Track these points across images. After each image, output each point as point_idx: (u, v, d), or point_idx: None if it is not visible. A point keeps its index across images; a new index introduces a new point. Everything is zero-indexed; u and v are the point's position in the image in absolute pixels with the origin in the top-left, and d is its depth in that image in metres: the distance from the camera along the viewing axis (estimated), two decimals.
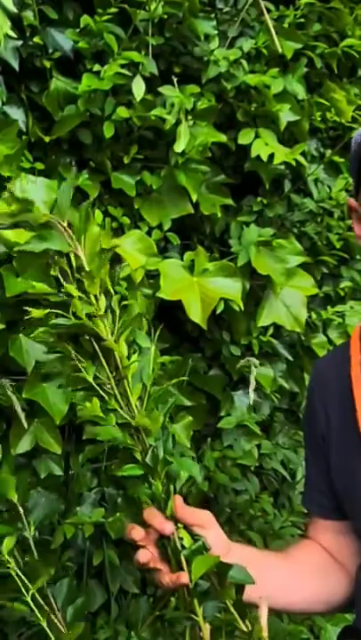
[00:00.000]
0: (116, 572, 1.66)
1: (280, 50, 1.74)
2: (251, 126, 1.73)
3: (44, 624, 1.02)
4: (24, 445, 1.49)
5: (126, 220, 1.62)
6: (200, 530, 0.91)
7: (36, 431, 1.50)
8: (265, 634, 0.84)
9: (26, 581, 1.02)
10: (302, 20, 1.85)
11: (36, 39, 1.50)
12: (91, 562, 1.61)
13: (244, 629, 0.86)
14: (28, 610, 1.02)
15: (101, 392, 0.89)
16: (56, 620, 1.04)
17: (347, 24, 1.98)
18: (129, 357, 0.89)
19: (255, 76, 1.69)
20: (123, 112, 1.53)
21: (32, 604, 1.01)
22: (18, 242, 0.89)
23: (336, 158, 2.06)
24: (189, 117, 1.59)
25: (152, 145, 1.66)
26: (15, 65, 1.47)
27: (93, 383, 0.89)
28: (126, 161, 1.61)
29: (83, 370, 0.89)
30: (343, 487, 1.08)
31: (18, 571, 1.01)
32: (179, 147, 1.55)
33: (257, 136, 1.70)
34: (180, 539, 0.88)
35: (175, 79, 1.60)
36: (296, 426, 2.13)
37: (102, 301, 0.90)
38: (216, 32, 1.69)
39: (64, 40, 1.54)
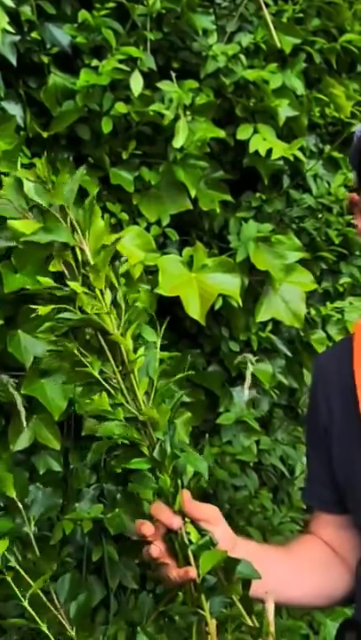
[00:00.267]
0: (115, 568, 1.66)
1: (279, 45, 1.74)
2: (249, 122, 1.73)
3: (44, 627, 1.01)
4: (23, 442, 1.49)
5: (125, 216, 1.61)
6: (207, 525, 0.91)
7: (35, 427, 1.50)
8: (272, 629, 0.84)
9: (28, 579, 1.01)
10: (301, 14, 1.85)
11: (33, 34, 1.49)
12: (90, 558, 1.61)
13: (251, 625, 0.86)
14: (23, 620, 1.01)
15: (108, 387, 0.88)
16: (60, 617, 1.04)
17: (346, 19, 1.97)
18: (135, 351, 0.89)
19: (254, 72, 1.69)
20: (121, 107, 1.53)
21: (30, 610, 1.00)
22: (24, 233, 0.89)
23: (335, 154, 2.06)
24: (188, 113, 1.59)
25: (150, 140, 1.66)
26: (13, 60, 1.47)
27: (100, 378, 0.88)
28: (125, 157, 1.61)
29: (88, 365, 0.87)
30: (345, 479, 1.08)
31: (19, 568, 1.01)
32: (177, 142, 1.55)
33: (255, 131, 1.70)
34: (188, 533, 0.88)
35: (174, 74, 1.60)
36: (295, 422, 2.13)
37: (108, 296, 0.89)
38: (214, 27, 1.69)
39: (62, 35, 1.54)
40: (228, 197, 1.74)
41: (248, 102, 1.73)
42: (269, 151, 1.68)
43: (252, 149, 1.68)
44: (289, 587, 1.08)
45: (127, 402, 0.88)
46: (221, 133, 1.64)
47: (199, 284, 1.58)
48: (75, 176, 0.91)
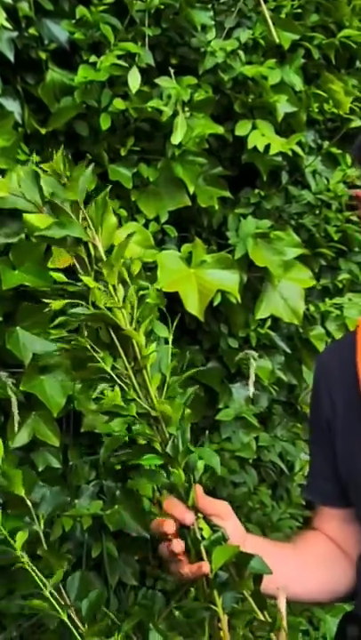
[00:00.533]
0: (114, 565, 1.66)
1: (277, 40, 1.73)
2: (248, 118, 1.73)
3: (65, 617, 1.01)
4: (22, 438, 1.49)
5: (123, 213, 1.61)
6: (218, 520, 0.91)
7: (34, 424, 1.50)
8: (284, 623, 0.85)
9: (41, 577, 1.01)
10: (300, 10, 1.84)
11: (31, 30, 1.49)
12: (89, 554, 1.61)
13: (263, 620, 0.86)
14: (47, 606, 1.01)
15: (120, 382, 0.88)
16: (73, 615, 1.03)
17: (344, 14, 1.97)
18: (147, 347, 0.89)
19: (252, 67, 1.69)
20: (119, 104, 1.53)
21: (52, 600, 1.00)
22: (39, 227, 0.90)
23: (334, 150, 2.05)
24: (186, 109, 1.58)
25: (149, 137, 1.65)
26: (10, 56, 1.46)
27: (112, 373, 0.88)
28: (123, 153, 1.61)
29: (100, 360, 0.88)
30: (347, 472, 1.09)
31: (33, 567, 1.01)
32: (176, 138, 1.55)
33: (254, 127, 1.70)
34: (200, 529, 0.88)
35: (172, 70, 1.59)
36: (294, 418, 2.13)
37: (120, 291, 0.90)
38: (213, 23, 1.68)
39: (60, 31, 1.53)
40: (227, 194, 1.73)
41: (247, 98, 1.72)
42: (268, 147, 1.67)
43: (250, 145, 1.68)
44: (295, 583, 1.09)
45: (139, 397, 0.88)
46: (220, 129, 1.64)
47: (198, 280, 1.58)
48: (87, 172, 0.91)
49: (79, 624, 1.07)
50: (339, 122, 2.06)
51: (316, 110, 1.95)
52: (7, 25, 1.42)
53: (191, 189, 1.61)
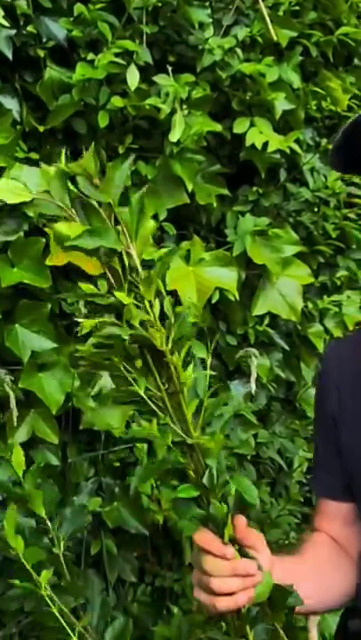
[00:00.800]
0: (113, 561, 1.66)
1: (275, 38, 1.74)
2: (246, 115, 1.73)
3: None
4: (21, 436, 1.50)
5: None
6: (254, 552, 0.86)
7: (33, 421, 1.51)
8: None
9: (59, 603, 0.97)
10: (297, 7, 1.85)
11: (29, 28, 1.49)
12: (88, 551, 1.62)
13: None
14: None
15: (154, 407, 0.81)
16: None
17: (342, 12, 1.97)
18: (183, 368, 0.81)
19: (250, 65, 1.69)
20: (117, 101, 1.53)
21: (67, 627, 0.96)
22: (69, 236, 0.81)
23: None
24: (184, 106, 1.59)
25: (147, 134, 1.66)
26: (9, 54, 1.46)
27: (145, 397, 0.80)
28: (121, 150, 1.61)
29: (133, 382, 0.80)
30: (353, 466, 1.09)
31: (58, 609, 0.97)
32: (174, 136, 1.55)
33: (252, 125, 1.70)
34: None
35: (170, 68, 1.59)
36: (293, 415, 2.13)
37: (156, 307, 0.81)
38: (211, 20, 1.68)
39: (58, 29, 1.53)
40: (225, 191, 1.74)
41: (244, 96, 1.73)
42: (266, 144, 1.68)
43: (248, 143, 1.68)
44: (314, 599, 1.08)
45: (173, 423, 0.81)
46: (218, 127, 1.64)
47: (196, 278, 1.58)
48: (124, 167, 0.81)
49: None
50: (337, 119, 2.06)
51: (314, 108, 1.95)
52: (5, 23, 1.42)
53: (189, 187, 1.61)
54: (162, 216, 1.65)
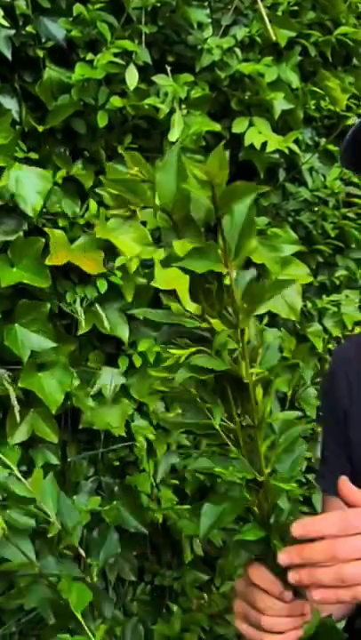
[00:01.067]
0: (113, 560, 1.67)
1: (274, 38, 1.74)
2: (245, 115, 1.73)
3: None
4: (21, 435, 1.50)
5: None
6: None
7: (33, 421, 1.51)
8: None
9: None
10: (296, 7, 1.85)
11: (28, 28, 1.49)
12: (88, 550, 1.62)
13: None
14: None
15: (227, 440, 0.75)
16: None
17: (341, 12, 1.97)
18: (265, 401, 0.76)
19: (249, 65, 1.69)
20: (116, 101, 1.53)
21: None
22: (178, 256, 0.71)
23: (331, 147, 2.06)
24: (183, 106, 1.59)
25: (146, 134, 1.66)
26: (8, 54, 1.47)
27: (220, 430, 0.74)
28: (120, 150, 1.61)
29: (208, 413, 0.73)
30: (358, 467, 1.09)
31: None
32: (173, 136, 1.55)
33: (251, 125, 1.71)
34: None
35: (169, 68, 1.60)
36: None
37: (247, 336, 0.74)
38: (209, 20, 1.69)
39: (57, 29, 1.54)
40: None
41: (243, 95, 1.73)
42: (265, 144, 1.68)
43: (247, 143, 1.68)
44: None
45: (243, 457, 0.75)
46: (217, 127, 1.64)
47: None
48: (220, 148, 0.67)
49: None
50: (335, 119, 2.07)
51: (313, 107, 1.95)
52: (4, 23, 1.42)
53: None
54: None
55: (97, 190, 1.59)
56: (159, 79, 1.58)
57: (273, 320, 1.87)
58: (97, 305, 1.54)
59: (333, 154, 2.07)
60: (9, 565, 0.80)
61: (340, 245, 2.08)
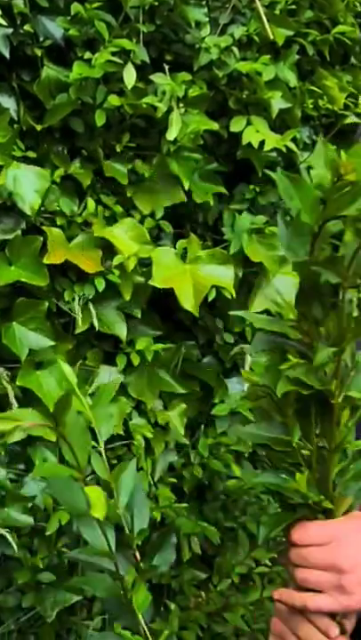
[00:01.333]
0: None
1: (271, 37, 1.74)
2: (243, 114, 1.73)
3: None
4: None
5: (119, 209, 1.62)
6: None
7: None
8: None
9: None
10: (294, 6, 1.85)
11: (26, 27, 1.50)
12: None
13: None
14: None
15: (302, 460, 0.73)
16: None
17: (339, 11, 1.97)
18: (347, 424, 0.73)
19: (247, 64, 1.69)
20: (114, 100, 1.53)
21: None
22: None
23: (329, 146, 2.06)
24: (181, 105, 1.59)
25: (144, 133, 1.66)
26: (6, 53, 1.47)
27: (297, 449, 0.72)
28: (118, 149, 1.61)
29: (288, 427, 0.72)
30: None
31: None
32: (171, 134, 1.56)
33: (249, 123, 1.71)
34: None
35: (166, 67, 1.60)
36: None
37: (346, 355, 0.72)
38: (207, 19, 1.69)
39: (55, 28, 1.54)
40: (222, 189, 1.74)
41: (241, 94, 1.73)
42: (263, 143, 1.68)
43: (245, 141, 1.68)
44: None
45: (312, 480, 0.73)
46: (215, 125, 1.64)
47: (193, 276, 1.58)
48: None
49: None
50: (333, 118, 2.06)
51: (311, 106, 1.95)
52: (2, 22, 1.42)
53: (186, 185, 1.61)
54: (159, 214, 1.65)
55: None
56: (157, 78, 1.58)
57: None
58: (90, 304, 1.54)
59: None
60: (88, 550, 0.80)
61: (337, 244, 2.08)
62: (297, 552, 0.74)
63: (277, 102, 1.75)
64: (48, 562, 1.55)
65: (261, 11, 1.72)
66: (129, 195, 1.64)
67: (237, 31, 1.74)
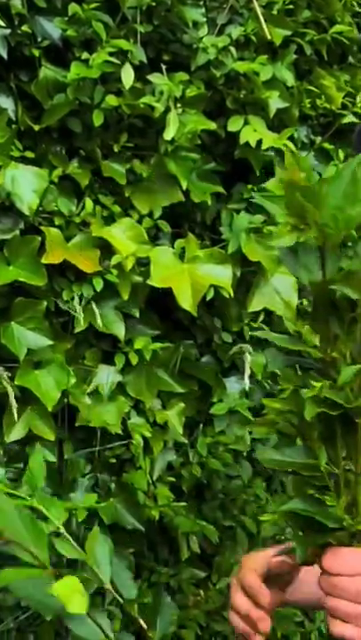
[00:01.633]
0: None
1: (269, 37, 1.74)
2: (240, 113, 1.74)
3: None
4: (18, 432, 1.51)
5: (117, 209, 1.62)
6: None
7: (30, 418, 1.52)
8: None
9: None
10: (291, 6, 1.85)
11: (24, 27, 1.50)
12: (84, 547, 1.62)
13: None
14: None
15: (331, 484, 0.72)
16: None
17: (336, 10, 1.98)
18: None
19: (244, 64, 1.70)
20: (112, 100, 1.54)
21: None
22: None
23: (327, 145, 2.06)
24: (179, 105, 1.59)
25: (142, 133, 1.66)
26: (4, 54, 1.47)
27: (325, 473, 0.71)
28: (116, 149, 1.62)
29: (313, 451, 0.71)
30: None
31: None
32: (168, 134, 1.56)
33: (246, 123, 1.71)
34: None
35: (164, 67, 1.60)
36: None
37: None
38: (205, 19, 1.69)
39: (53, 28, 1.54)
40: (220, 189, 1.75)
41: (239, 94, 1.73)
42: (260, 142, 1.68)
43: (242, 141, 1.69)
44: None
45: (338, 504, 0.72)
46: (212, 125, 1.65)
47: (191, 276, 1.59)
48: None
49: None
50: (331, 117, 2.07)
51: (309, 106, 1.96)
52: (0, 22, 1.43)
53: (184, 185, 1.62)
54: (157, 214, 1.66)
55: None
56: (155, 78, 1.58)
57: (269, 318, 1.88)
58: (93, 303, 1.55)
59: (329, 152, 2.08)
60: None
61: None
62: (328, 580, 0.74)
63: (275, 102, 1.75)
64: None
65: (259, 11, 1.72)
66: (127, 194, 1.64)
67: (235, 31, 1.74)
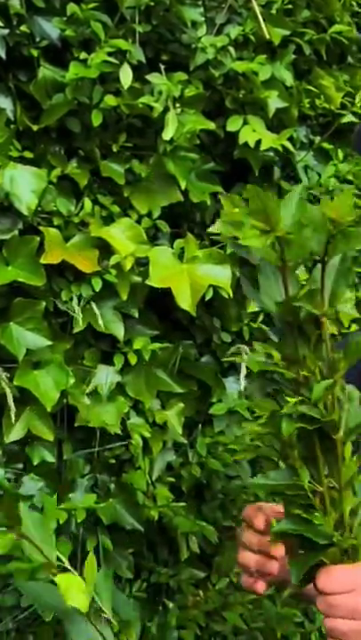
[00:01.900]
0: (109, 558, 1.67)
1: (268, 36, 1.74)
2: (239, 113, 1.74)
3: None
4: (17, 433, 1.51)
5: (116, 209, 1.62)
6: None
7: (29, 418, 1.52)
8: None
9: None
10: (290, 6, 1.85)
11: (23, 28, 1.50)
12: (84, 548, 1.62)
13: None
14: None
15: (316, 502, 0.72)
16: None
17: (335, 10, 1.98)
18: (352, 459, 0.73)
19: (243, 63, 1.70)
20: (111, 100, 1.54)
21: None
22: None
23: (326, 145, 2.06)
24: (177, 105, 1.59)
25: (140, 133, 1.66)
26: (2, 54, 1.47)
27: (309, 492, 0.72)
28: (115, 149, 1.62)
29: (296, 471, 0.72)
30: None
31: None
32: (167, 134, 1.56)
33: (245, 123, 1.71)
34: None
35: (163, 67, 1.60)
36: None
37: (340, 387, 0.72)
38: (203, 19, 1.69)
39: (51, 28, 1.54)
40: (219, 189, 1.74)
41: (237, 94, 1.73)
42: (259, 142, 1.68)
43: (241, 141, 1.69)
44: None
45: (325, 520, 0.73)
46: (211, 125, 1.65)
47: (190, 276, 1.58)
48: None
49: None
50: (330, 117, 2.07)
51: (308, 106, 1.96)
52: None
53: (183, 185, 1.62)
54: (156, 214, 1.66)
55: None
56: (153, 78, 1.58)
57: (268, 317, 1.88)
58: (93, 303, 1.55)
59: (328, 152, 2.08)
60: None
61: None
62: (324, 600, 0.74)
63: (274, 102, 1.75)
64: None
65: (258, 10, 1.72)
66: (126, 194, 1.64)
67: (234, 31, 1.74)
